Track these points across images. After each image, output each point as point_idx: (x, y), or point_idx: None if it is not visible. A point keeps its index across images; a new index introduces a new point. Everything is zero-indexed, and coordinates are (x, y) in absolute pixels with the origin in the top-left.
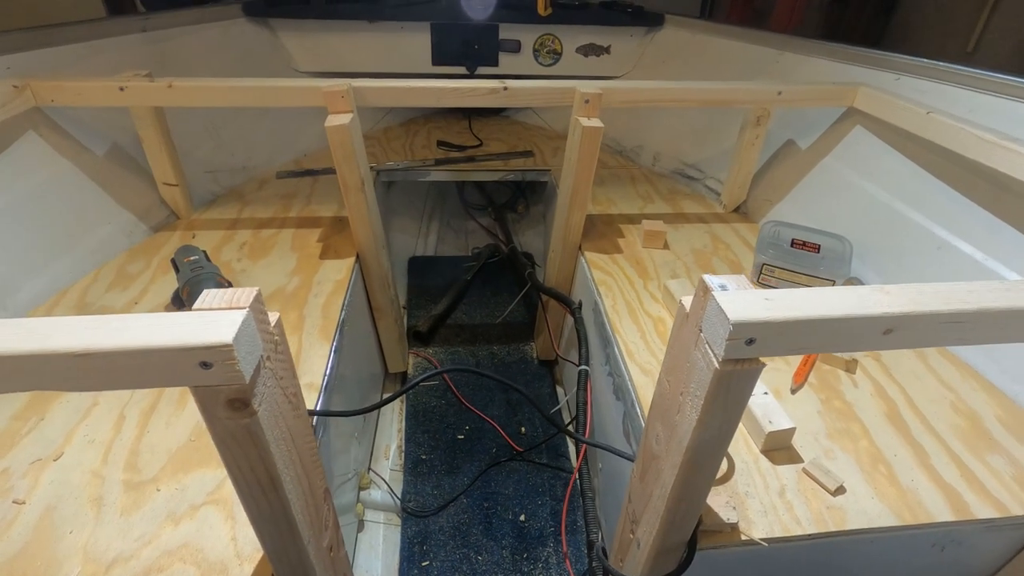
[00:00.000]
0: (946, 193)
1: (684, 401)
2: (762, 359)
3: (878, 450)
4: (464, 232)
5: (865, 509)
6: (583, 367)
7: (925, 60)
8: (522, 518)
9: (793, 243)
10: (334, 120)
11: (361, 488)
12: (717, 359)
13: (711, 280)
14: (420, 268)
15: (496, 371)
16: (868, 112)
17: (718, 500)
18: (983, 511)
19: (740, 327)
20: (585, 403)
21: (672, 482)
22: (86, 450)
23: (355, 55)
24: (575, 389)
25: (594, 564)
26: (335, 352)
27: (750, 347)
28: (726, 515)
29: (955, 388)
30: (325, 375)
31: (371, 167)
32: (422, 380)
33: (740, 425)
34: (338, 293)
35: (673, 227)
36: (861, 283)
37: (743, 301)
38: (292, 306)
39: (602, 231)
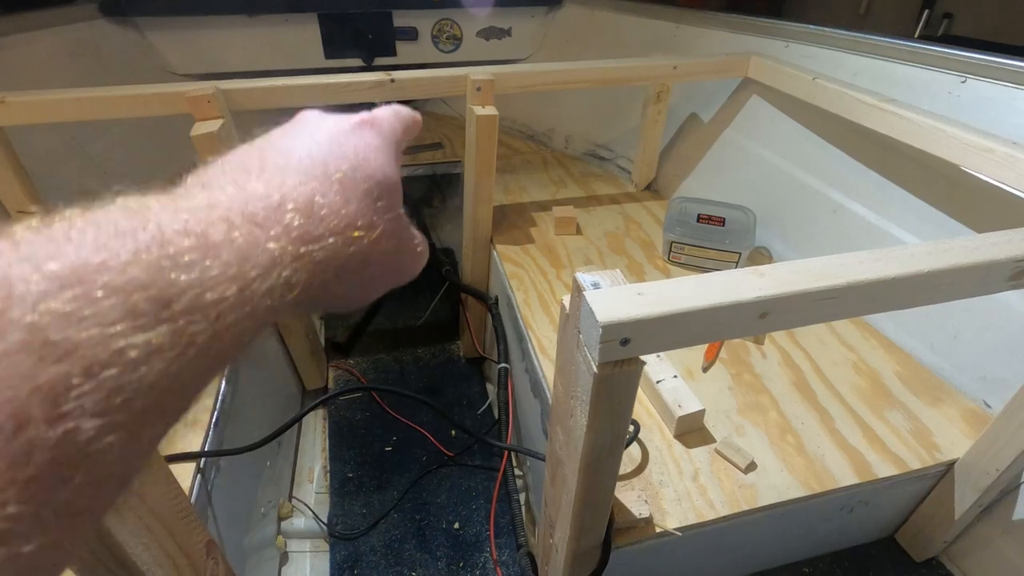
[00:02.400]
0: (838, 157)
1: (575, 405)
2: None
3: (786, 420)
4: None
5: (775, 483)
6: (502, 365)
7: (811, 27)
8: (456, 526)
9: (699, 218)
10: (201, 128)
11: (282, 518)
12: (595, 363)
13: (583, 279)
14: None
15: (422, 374)
16: (761, 81)
17: (630, 496)
18: (885, 470)
19: (611, 328)
20: (506, 403)
21: (575, 488)
22: None
23: (237, 53)
24: (497, 389)
25: (523, 564)
26: (227, 382)
27: (626, 347)
28: (638, 510)
29: (856, 348)
30: (215, 410)
31: None
32: (305, 414)
33: (653, 411)
34: None
35: (585, 211)
36: (768, 253)
37: (614, 300)
38: None
39: (514, 221)
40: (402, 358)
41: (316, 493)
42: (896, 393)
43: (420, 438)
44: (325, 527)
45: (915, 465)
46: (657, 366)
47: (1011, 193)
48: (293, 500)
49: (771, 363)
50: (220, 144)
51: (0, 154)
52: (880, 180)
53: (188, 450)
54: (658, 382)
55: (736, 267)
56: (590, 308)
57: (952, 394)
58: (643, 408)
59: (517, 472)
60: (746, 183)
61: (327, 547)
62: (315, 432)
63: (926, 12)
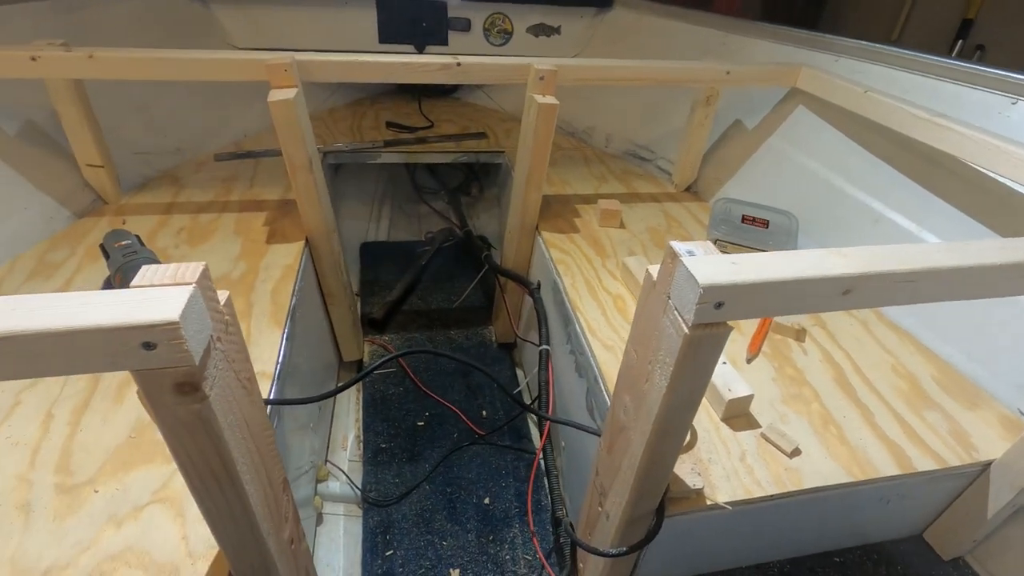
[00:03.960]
0: (882, 169)
1: (653, 370)
2: (728, 323)
3: (828, 412)
4: (417, 217)
5: (819, 468)
6: (544, 347)
7: (863, 42)
8: (486, 501)
9: (743, 219)
10: (277, 95)
11: (319, 480)
12: (687, 324)
13: (678, 247)
14: (373, 254)
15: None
16: (810, 91)
17: (683, 467)
18: (924, 464)
19: (710, 291)
20: (547, 382)
21: (641, 451)
22: (9, 454)
23: (297, 31)
24: (536, 370)
25: (562, 539)
26: (287, 339)
27: (719, 311)
28: (692, 481)
29: (895, 352)
30: (278, 363)
31: (318, 148)
32: (378, 367)
33: None
34: (288, 278)
35: (628, 206)
36: None
37: (711, 265)
38: (239, 292)
39: (558, 211)
40: (435, 338)
41: (350, 460)
42: (933, 396)
43: (452, 416)
44: (359, 492)
45: (954, 462)
46: None
47: None
48: (328, 464)
49: (812, 359)
50: (294, 111)
51: (79, 109)
52: (923, 192)
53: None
54: None
55: None
56: (688, 272)
57: (988, 400)
58: None
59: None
60: (787, 190)
61: (360, 513)
62: (349, 402)
63: (960, 42)
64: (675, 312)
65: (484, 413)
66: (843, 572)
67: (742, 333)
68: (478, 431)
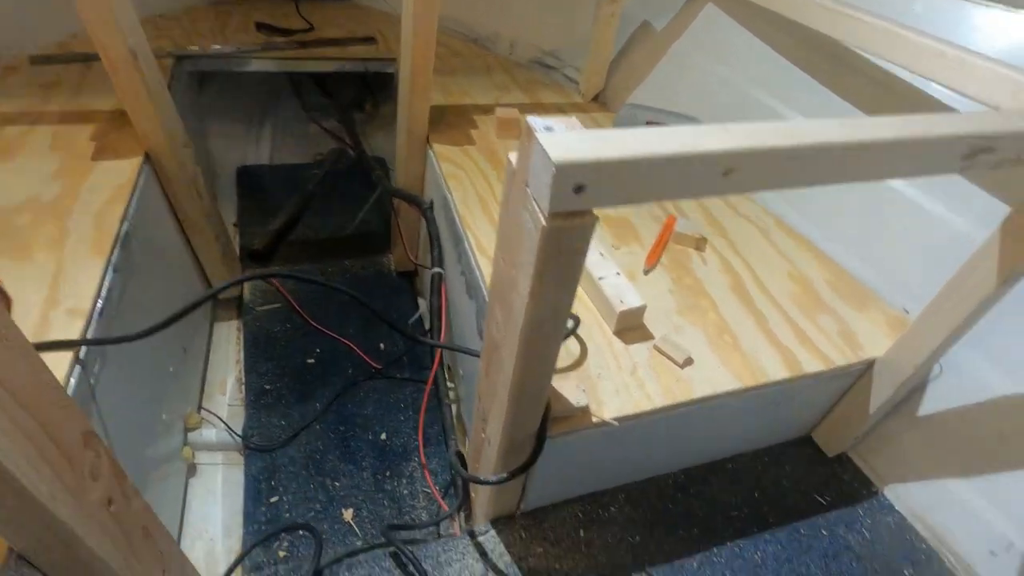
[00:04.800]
0: (789, 71)
1: (517, 275)
2: (597, 212)
3: (724, 321)
4: (306, 138)
5: (710, 377)
6: (436, 270)
7: None
8: (383, 437)
9: (648, 124)
10: None
11: (189, 429)
12: (543, 214)
13: (535, 121)
14: (253, 179)
15: (349, 287)
16: None
17: (567, 385)
18: (813, 366)
19: (566, 170)
20: (439, 308)
21: (513, 367)
22: None
23: None
24: (430, 296)
25: (453, 471)
26: (114, 271)
27: (579, 196)
28: (576, 399)
29: (792, 259)
30: (99, 298)
31: (169, 52)
32: (222, 290)
33: (593, 309)
34: (117, 201)
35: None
36: None
37: (570, 141)
38: (50, 218)
39: (453, 122)
40: (327, 270)
41: (229, 405)
42: (826, 299)
43: (345, 351)
44: (239, 439)
45: (840, 362)
46: (600, 264)
47: (957, 104)
48: (203, 411)
49: (711, 269)
50: None
51: None
52: (829, 96)
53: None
54: (600, 279)
55: None
56: (543, 149)
57: (877, 302)
58: (583, 306)
59: (449, 385)
60: (694, 96)
61: (241, 459)
62: (228, 344)
63: None
64: (533, 203)
65: (382, 346)
66: (734, 476)
67: (642, 245)
68: (374, 365)
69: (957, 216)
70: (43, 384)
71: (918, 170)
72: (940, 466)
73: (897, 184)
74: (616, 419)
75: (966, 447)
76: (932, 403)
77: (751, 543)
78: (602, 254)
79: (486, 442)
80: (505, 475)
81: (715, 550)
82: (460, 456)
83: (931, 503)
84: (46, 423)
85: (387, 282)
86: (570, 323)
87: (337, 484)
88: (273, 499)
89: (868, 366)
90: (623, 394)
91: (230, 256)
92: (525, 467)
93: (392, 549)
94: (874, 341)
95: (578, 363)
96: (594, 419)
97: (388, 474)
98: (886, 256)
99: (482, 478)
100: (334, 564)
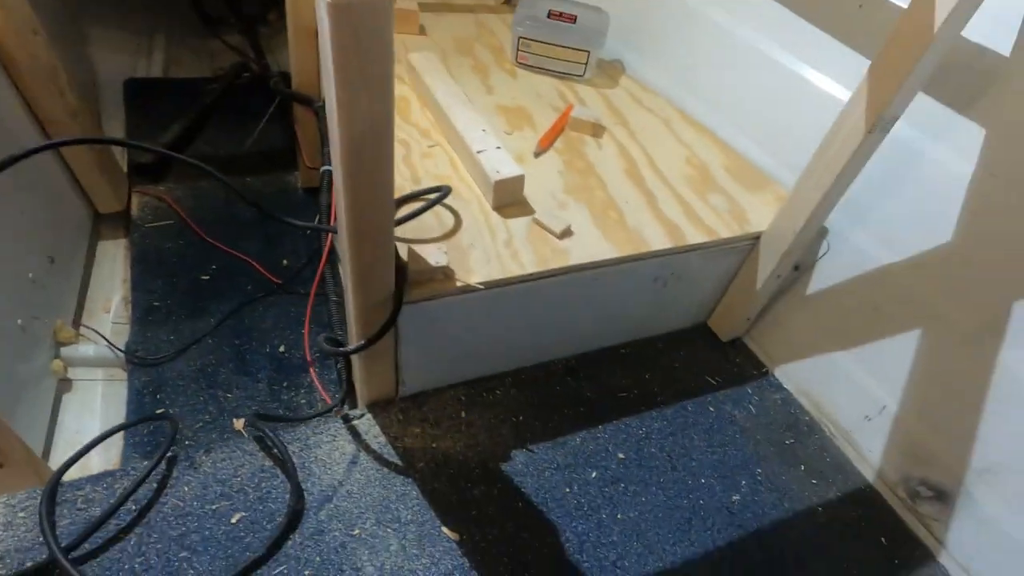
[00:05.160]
0: None
1: (330, 86)
2: (495, 102)
3: (611, 199)
4: (208, 53)
5: (589, 248)
6: (325, 167)
7: None
8: (281, 349)
9: (550, 14)
10: None
11: (61, 343)
12: None
13: None
14: (142, 92)
15: (250, 206)
16: None
17: (428, 248)
18: (697, 238)
19: None
20: (329, 205)
21: (346, 204)
22: None
23: None
24: (320, 194)
25: (338, 365)
26: None
27: None
28: (434, 259)
29: (691, 146)
30: None
31: None
32: (62, 143)
33: (474, 186)
34: None
35: (437, 15)
36: (622, 65)
37: None
38: None
39: None
40: (226, 186)
41: (114, 323)
42: (721, 182)
43: (244, 267)
44: (122, 354)
45: (725, 234)
46: (480, 139)
47: None
48: (82, 328)
49: (606, 154)
50: None
51: None
52: None
53: None
54: (479, 152)
55: (585, 69)
56: None
57: (771, 184)
58: (464, 184)
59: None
60: None
61: (124, 375)
62: (114, 262)
63: None
64: None
65: (285, 262)
66: (627, 361)
67: (535, 130)
68: (274, 280)
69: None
70: None
71: None
72: (825, 341)
73: (790, 64)
74: (482, 284)
75: (847, 321)
76: (819, 282)
77: (638, 420)
78: (484, 131)
79: (351, 314)
80: (363, 342)
81: (600, 427)
82: (334, 342)
83: (815, 378)
84: None
85: (293, 199)
86: (437, 193)
87: (229, 396)
88: (158, 411)
89: (755, 240)
90: (494, 263)
91: (112, 169)
92: (383, 330)
93: (258, 434)
94: (761, 217)
95: (450, 234)
96: (458, 283)
97: (285, 384)
98: (783, 139)
99: (342, 348)
100: (192, 448)
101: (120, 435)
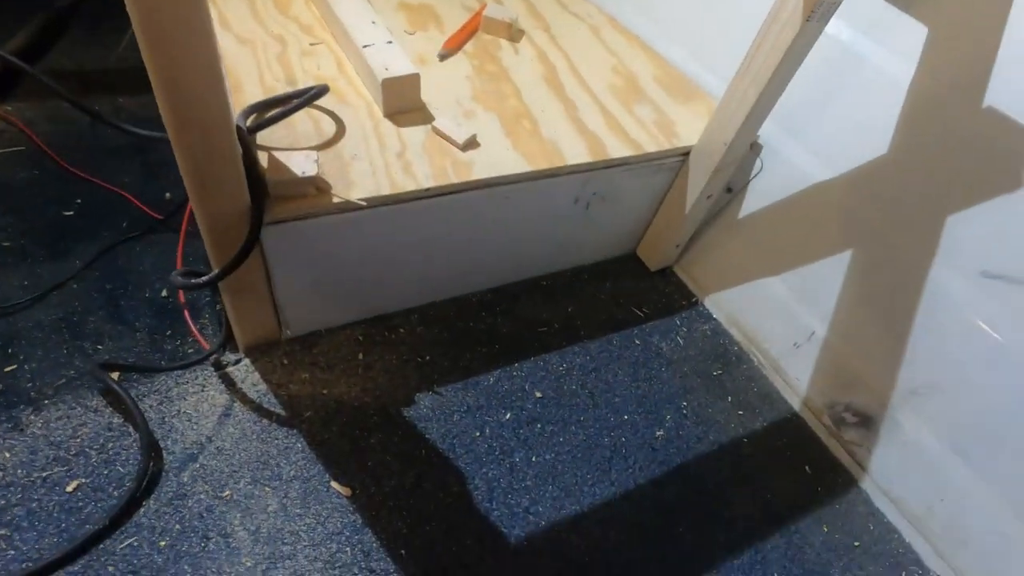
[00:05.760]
0: None
1: None
2: None
3: (526, 107)
4: None
5: (498, 161)
6: None
7: None
8: (164, 293)
9: None
10: None
11: None
12: None
13: None
14: None
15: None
16: None
17: (295, 156)
18: (620, 152)
19: None
20: None
21: (157, 89)
22: None
23: None
24: None
25: (219, 307)
26: None
27: None
28: (300, 169)
29: (619, 54)
30: None
31: None
32: None
33: (363, 89)
34: None
35: None
36: None
37: None
38: None
39: None
40: (94, 108)
41: None
42: (649, 92)
43: (118, 201)
44: None
45: (651, 148)
46: (368, 32)
47: None
48: None
49: (523, 58)
50: None
51: None
52: None
53: None
54: (365, 47)
55: None
56: None
57: (704, 96)
58: (352, 88)
59: None
60: None
61: None
62: None
63: None
64: None
65: (168, 195)
66: (549, 294)
67: (441, 30)
68: (155, 215)
69: None
70: None
71: None
72: (756, 268)
73: None
74: (365, 200)
75: (780, 243)
76: (752, 204)
77: (558, 356)
78: (375, 23)
79: (202, 236)
80: (217, 271)
81: (517, 365)
82: (192, 274)
83: (745, 306)
84: None
85: None
86: (312, 91)
87: (100, 347)
88: (9, 368)
89: (684, 156)
90: (381, 176)
91: None
92: (240, 257)
93: (103, 386)
94: (692, 131)
95: (330, 143)
96: (335, 199)
97: (168, 333)
98: (713, 48)
99: (192, 281)
100: (12, 407)
101: None
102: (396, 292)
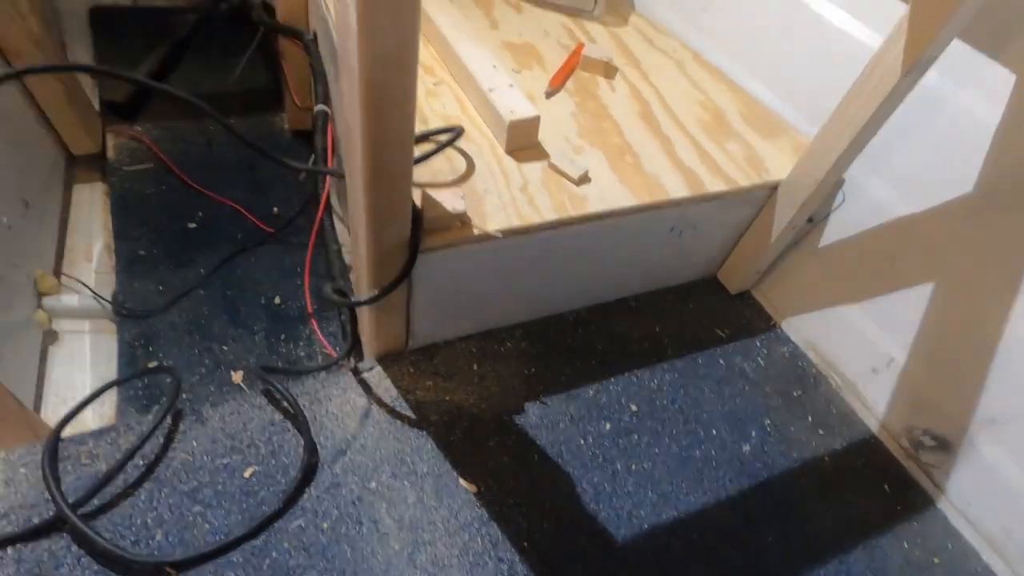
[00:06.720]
0: None
1: (347, 9)
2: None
3: (627, 144)
4: None
5: (607, 195)
6: (320, 107)
7: None
8: (277, 301)
9: None
10: None
11: (43, 293)
12: None
13: None
14: (111, 22)
15: (235, 148)
16: None
17: (444, 192)
18: (716, 186)
19: None
20: (325, 148)
21: (361, 142)
22: None
23: None
24: (315, 136)
25: (342, 317)
26: None
27: None
28: (452, 205)
29: (705, 89)
30: None
31: None
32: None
33: (485, 128)
34: None
35: None
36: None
37: None
38: None
39: None
40: (209, 128)
41: (97, 273)
42: (736, 127)
43: (232, 215)
44: (109, 305)
45: (744, 184)
46: (491, 75)
47: None
48: (63, 277)
49: (619, 95)
50: None
51: None
52: None
53: None
54: (490, 91)
55: (596, 4)
56: None
57: (787, 130)
58: (473, 125)
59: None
60: None
61: (113, 326)
62: (91, 207)
63: None
64: None
65: (276, 210)
66: (637, 313)
67: (545, 69)
68: (266, 228)
69: (875, 37)
70: None
71: None
72: (834, 295)
73: (812, 4)
74: (501, 231)
75: (860, 272)
76: (832, 234)
77: (648, 372)
78: (495, 66)
79: (360, 261)
80: (376, 292)
81: (612, 379)
82: (341, 293)
83: (823, 331)
84: None
85: (280, 143)
86: (449, 134)
87: (225, 348)
88: (151, 364)
89: (772, 190)
90: (510, 209)
91: (85, 109)
92: (399, 280)
93: (265, 388)
94: (780, 166)
95: (463, 178)
96: (476, 231)
97: (283, 337)
98: (798, 85)
99: (353, 299)
100: (196, 402)
101: (114, 388)
102: (505, 309)
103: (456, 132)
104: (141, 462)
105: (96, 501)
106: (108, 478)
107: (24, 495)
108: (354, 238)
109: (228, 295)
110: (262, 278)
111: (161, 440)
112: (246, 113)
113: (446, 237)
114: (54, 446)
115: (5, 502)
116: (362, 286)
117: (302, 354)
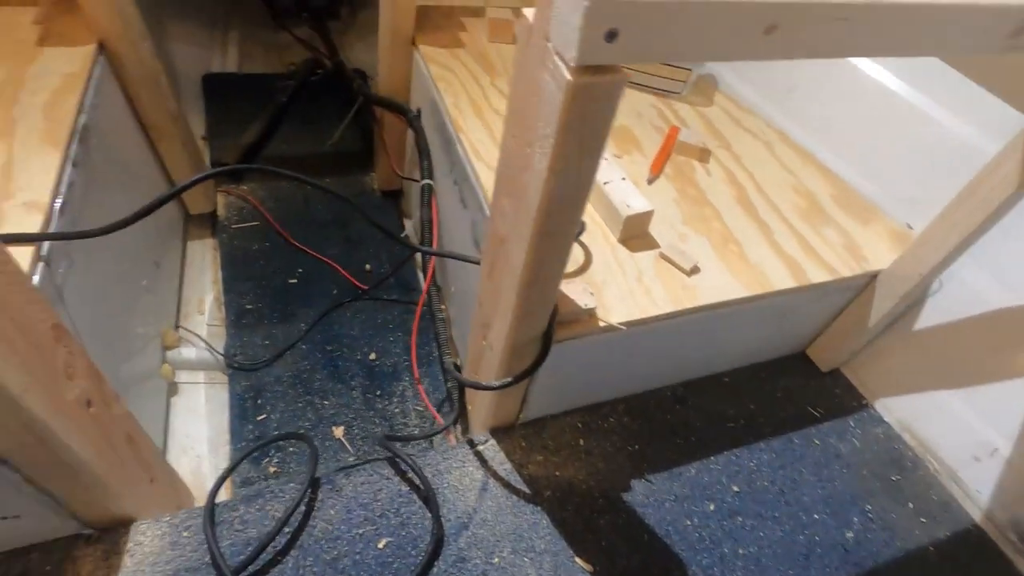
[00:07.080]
0: None
1: (532, 152)
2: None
3: (729, 230)
4: (276, 47)
5: (717, 285)
6: (426, 181)
7: None
8: (372, 357)
9: None
10: None
11: (167, 347)
12: (569, 66)
13: None
14: (220, 89)
15: (330, 206)
16: None
17: (575, 288)
18: (818, 276)
19: (599, 8)
20: (430, 220)
21: (523, 261)
22: None
23: None
24: (419, 209)
25: (449, 384)
26: (73, 165)
27: (611, 44)
28: (583, 301)
29: (796, 172)
30: (59, 193)
31: None
32: (191, 184)
33: (597, 217)
34: (71, 89)
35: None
36: (714, 79)
37: None
38: None
39: (440, 24)
40: (306, 187)
41: (209, 325)
42: (830, 212)
43: (329, 271)
44: (221, 358)
45: (846, 273)
46: (605, 168)
47: None
48: (180, 330)
49: (715, 180)
50: None
51: None
52: None
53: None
54: (605, 183)
55: (685, 86)
56: None
57: (880, 216)
58: (586, 215)
59: (440, 307)
60: None
61: (225, 379)
62: (203, 261)
63: None
64: (555, 58)
65: (368, 267)
66: (731, 389)
67: (644, 154)
68: (360, 286)
69: (964, 126)
70: (5, 272)
71: (962, 44)
72: (930, 379)
73: (902, 92)
74: (623, 324)
75: (958, 360)
76: (928, 318)
77: (747, 451)
78: (607, 158)
79: (487, 348)
80: (510, 379)
81: (712, 458)
82: (456, 367)
83: (919, 414)
84: (11, 312)
85: (370, 202)
86: (580, 227)
87: (326, 403)
88: (260, 417)
89: (871, 279)
90: (629, 300)
91: (201, 168)
92: (531, 370)
93: (389, 457)
94: (878, 254)
95: (582, 269)
96: (601, 323)
97: (379, 393)
98: (888, 170)
99: (485, 383)
100: (330, 473)
101: (226, 441)
102: (607, 386)
103: (581, 228)
104: (287, 529)
105: (251, 568)
106: (263, 547)
107: (188, 558)
108: (479, 323)
109: (327, 350)
110: (357, 334)
111: (303, 508)
112: (340, 173)
113: (575, 329)
114: (211, 511)
115: (172, 564)
116: (491, 370)
117: (396, 410)
